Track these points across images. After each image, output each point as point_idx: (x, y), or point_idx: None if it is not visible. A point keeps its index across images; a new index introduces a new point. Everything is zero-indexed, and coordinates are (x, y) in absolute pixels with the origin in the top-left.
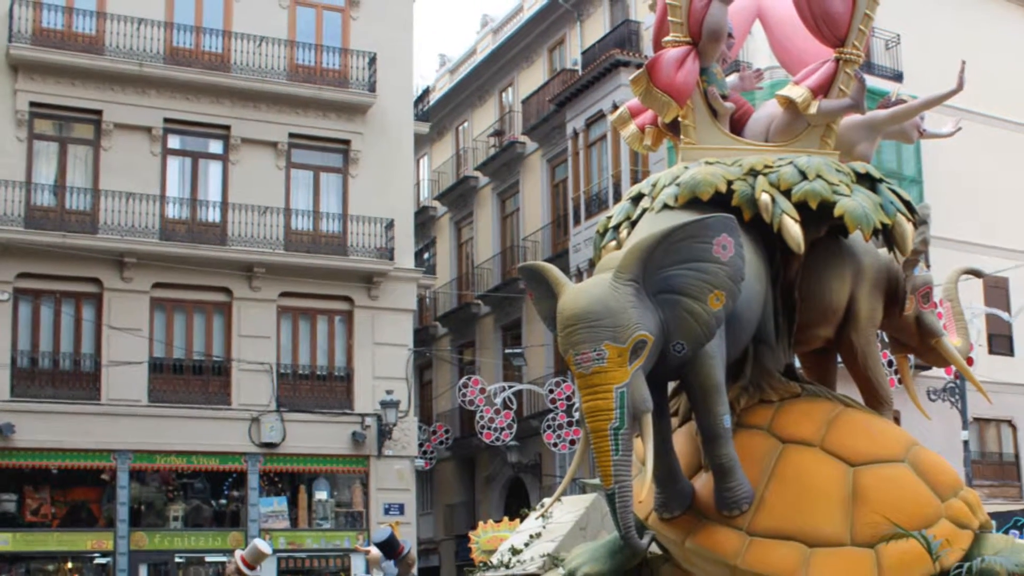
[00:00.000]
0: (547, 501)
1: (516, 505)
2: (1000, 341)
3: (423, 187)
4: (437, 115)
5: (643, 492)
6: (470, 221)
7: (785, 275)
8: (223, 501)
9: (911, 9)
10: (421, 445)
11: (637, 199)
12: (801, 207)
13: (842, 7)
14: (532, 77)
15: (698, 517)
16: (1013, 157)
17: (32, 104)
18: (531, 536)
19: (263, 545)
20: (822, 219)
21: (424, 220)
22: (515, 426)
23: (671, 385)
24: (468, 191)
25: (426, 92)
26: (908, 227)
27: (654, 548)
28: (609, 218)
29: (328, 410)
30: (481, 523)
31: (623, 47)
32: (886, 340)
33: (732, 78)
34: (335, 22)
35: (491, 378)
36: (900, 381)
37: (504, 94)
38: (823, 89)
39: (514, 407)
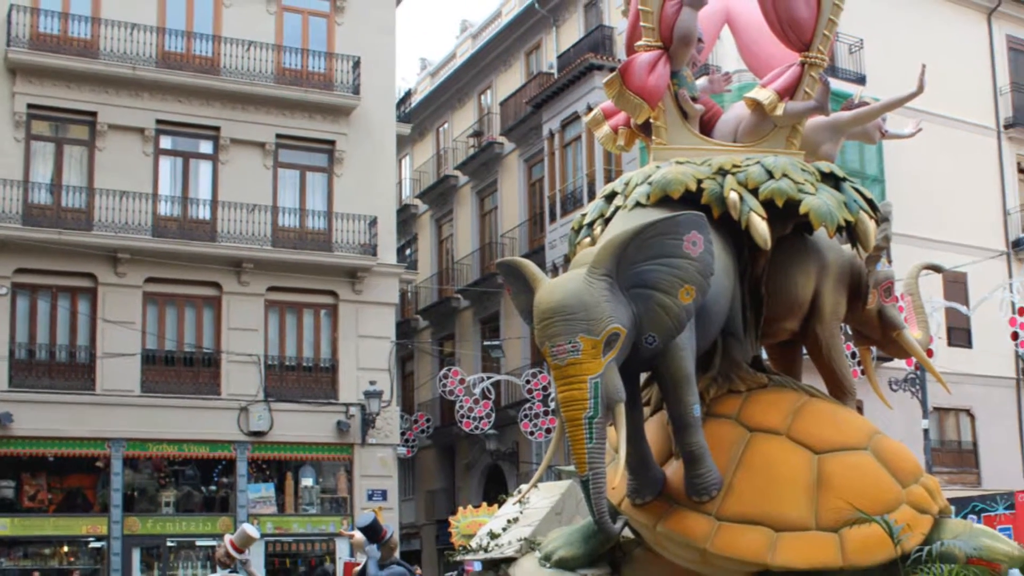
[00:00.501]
0: (524, 487)
1: (494, 491)
2: (959, 334)
3: (405, 186)
4: (418, 117)
5: (616, 479)
6: (450, 218)
7: (753, 270)
8: (213, 487)
9: (873, 15)
10: (403, 433)
11: (610, 197)
12: (768, 205)
13: (807, 13)
14: (510, 80)
15: (669, 503)
16: (971, 157)
17: (30, 106)
18: (509, 521)
19: (251, 529)
20: (788, 216)
21: (406, 217)
22: (493, 415)
23: (643, 376)
24: (448, 190)
25: (408, 94)
26: (871, 224)
27: (627, 532)
28: (583, 216)
29: (314, 400)
30: (461, 508)
31: (597, 51)
32: (849, 333)
33: (702, 81)
34: (320, 27)
35: (470, 369)
36: (863, 372)
37: (483, 96)
38: (789, 92)
39: (492, 397)
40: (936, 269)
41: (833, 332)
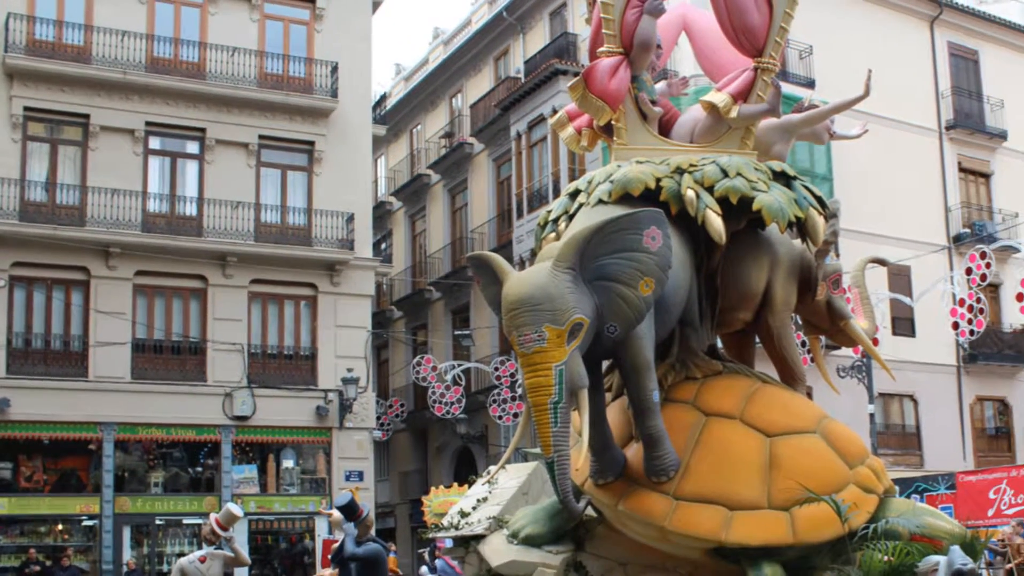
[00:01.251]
0: (493, 468)
1: (465, 472)
2: (903, 323)
3: (380, 184)
4: (393, 119)
5: (580, 460)
6: (423, 215)
7: (708, 264)
8: (199, 469)
9: (823, 23)
10: (379, 418)
11: (574, 195)
12: (723, 202)
13: (760, 21)
14: (479, 84)
15: (630, 483)
16: (914, 157)
17: (26, 109)
18: (478, 500)
19: (235, 508)
20: (742, 213)
21: (381, 214)
22: (464, 400)
23: (605, 363)
24: (421, 187)
25: (383, 98)
26: (820, 220)
27: (590, 511)
28: (549, 212)
29: (294, 386)
30: (433, 488)
31: (562, 57)
32: (800, 322)
33: (660, 85)
34: (300, 34)
35: (442, 357)
36: (812, 359)
37: (454, 99)
38: (743, 95)
39: (463, 383)
40: (881, 262)
41: (784, 322)
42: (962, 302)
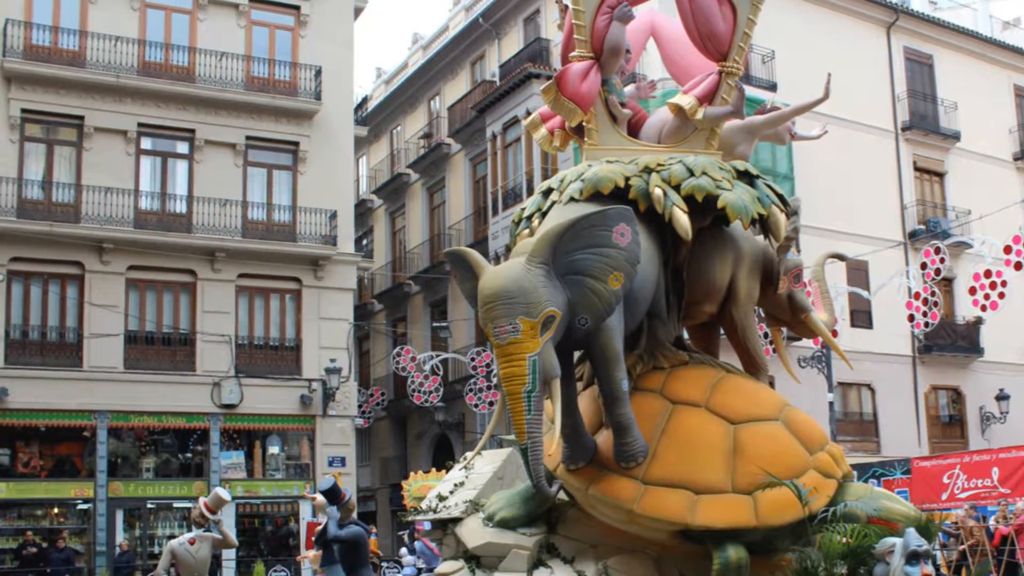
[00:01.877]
0: (469, 454)
1: (442, 458)
2: (860, 316)
3: (362, 183)
4: (374, 120)
5: (552, 446)
6: (402, 212)
7: (675, 259)
8: (189, 455)
9: (784, 28)
10: (360, 406)
11: (547, 193)
12: (689, 200)
13: (724, 27)
14: (456, 87)
15: (600, 468)
16: (872, 157)
17: (23, 111)
18: (455, 485)
19: (223, 493)
20: (707, 210)
21: (363, 211)
22: (441, 390)
23: (577, 354)
24: (401, 186)
25: (364, 100)
26: (781, 217)
27: (562, 495)
28: (523, 209)
29: (279, 376)
30: (412, 474)
31: (535, 61)
32: (763, 315)
33: (629, 88)
34: (286, 40)
35: (421, 348)
36: (774, 350)
37: (432, 102)
38: (708, 98)
39: (440, 373)
40: (840, 258)
41: (748, 314)
42: (917, 295)
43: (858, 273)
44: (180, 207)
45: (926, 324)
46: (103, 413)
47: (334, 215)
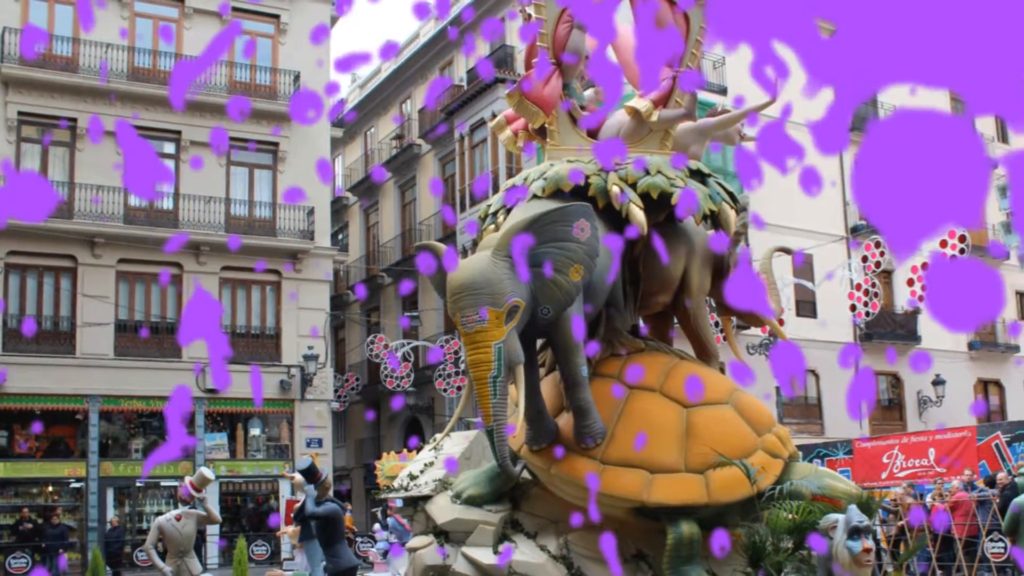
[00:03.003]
0: (438, 436)
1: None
2: (805, 306)
3: (338, 181)
4: (349, 122)
5: (516, 428)
6: (376, 208)
7: (632, 252)
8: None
9: None
10: (336, 391)
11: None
12: (645, 197)
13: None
14: (426, 91)
15: (561, 449)
16: (816, 157)
17: (20, 113)
18: (425, 465)
19: (208, 472)
20: (661, 206)
21: (339, 208)
22: (412, 375)
23: (540, 342)
24: (375, 184)
25: (340, 103)
26: (731, 213)
27: (525, 474)
28: (489, 206)
29: (260, 362)
30: (385, 454)
31: (500, 67)
32: (714, 305)
33: (589, 92)
34: (266, 47)
35: (393, 336)
36: (725, 338)
37: (404, 105)
38: (663, 101)
39: (412, 360)
40: (786, 251)
41: (700, 304)
42: (859, 287)
43: (803, 266)
44: (167, 204)
45: (867, 314)
46: (95, 397)
47: (311, 211)
